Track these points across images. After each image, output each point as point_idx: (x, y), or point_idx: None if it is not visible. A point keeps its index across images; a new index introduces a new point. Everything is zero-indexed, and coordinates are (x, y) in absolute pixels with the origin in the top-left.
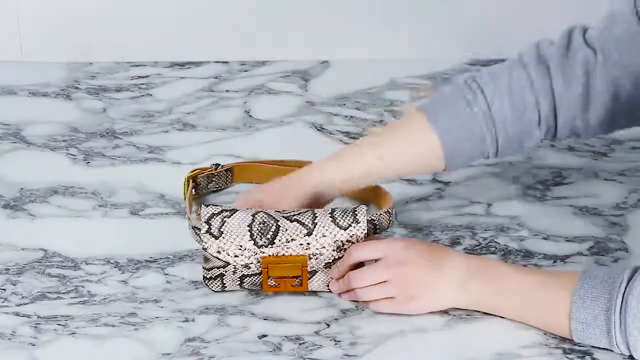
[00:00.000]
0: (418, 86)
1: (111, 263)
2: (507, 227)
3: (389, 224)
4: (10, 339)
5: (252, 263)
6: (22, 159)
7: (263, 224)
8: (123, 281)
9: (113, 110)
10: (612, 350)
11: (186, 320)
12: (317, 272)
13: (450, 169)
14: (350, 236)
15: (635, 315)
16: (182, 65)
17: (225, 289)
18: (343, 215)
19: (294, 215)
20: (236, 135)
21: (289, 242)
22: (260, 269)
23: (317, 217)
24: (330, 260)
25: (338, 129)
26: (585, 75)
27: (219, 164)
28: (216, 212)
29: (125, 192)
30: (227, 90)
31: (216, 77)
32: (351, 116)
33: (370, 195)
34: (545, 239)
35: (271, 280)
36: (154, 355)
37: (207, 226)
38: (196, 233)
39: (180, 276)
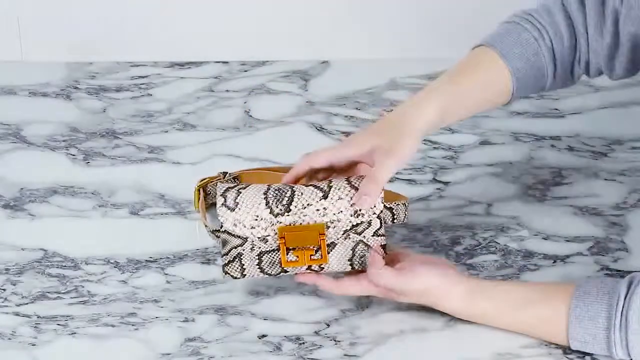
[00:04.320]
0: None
1: (111, 263)
2: (507, 227)
3: (405, 216)
4: (10, 339)
5: (269, 235)
6: (22, 159)
7: (278, 190)
8: (123, 281)
9: (113, 110)
10: None
11: (186, 320)
12: (336, 244)
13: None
14: None
15: (637, 330)
16: (182, 65)
17: (245, 273)
18: (359, 179)
19: (308, 184)
20: (236, 135)
21: (305, 208)
22: (278, 243)
23: (332, 182)
24: (349, 228)
25: (338, 129)
26: (614, 25)
27: (227, 172)
28: (231, 186)
29: (125, 192)
30: (227, 90)
31: (216, 77)
32: (351, 116)
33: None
34: (545, 239)
35: (290, 254)
36: (154, 355)
37: (223, 199)
38: (216, 236)
39: (180, 276)
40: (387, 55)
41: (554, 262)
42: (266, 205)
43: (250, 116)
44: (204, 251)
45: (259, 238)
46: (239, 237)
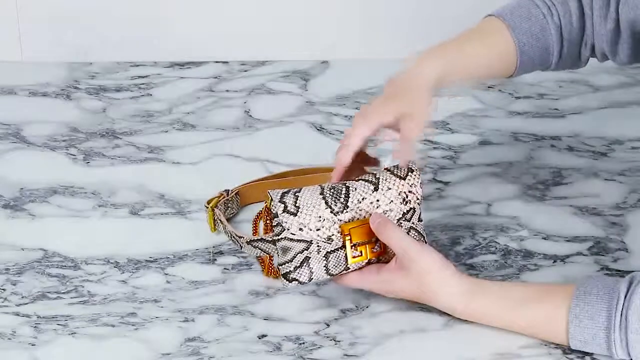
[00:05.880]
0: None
1: (111, 263)
2: (507, 227)
3: (421, 195)
4: (10, 339)
5: (333, 235)
6: (22, 159)
7: (333, 188)
8: (123, 281)
9: (113, 110)
10: None
11: (186, 320)
12: None
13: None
14: (410, 185)
15: (637, 330)
16: (182, 65)
17: (312, 277)
18: (398, 168)
19: (356, 178)
20: (236, 135)
21: (360, 202)
22: (342, 241)
23: (376, 174)
24: (400, 216)
25: (338, 129)
26: (617, 11)
27: (228, 190)
28: (285, 191)
29: (125, 192)
30: (227, 90)
31: (216, 77)
32: (351, 116)
33: None
34: (545, 239)
35: (354, 250)
36: (154, 355)
37: (283, 205)
38: (253, 247)
39: (180, 276)
40: (387, 55)
41: (554, 262)
42: (326, 205)
43: (250, 116)
44: (203, 251)
45: (324, 239)
46: (302, 241)
